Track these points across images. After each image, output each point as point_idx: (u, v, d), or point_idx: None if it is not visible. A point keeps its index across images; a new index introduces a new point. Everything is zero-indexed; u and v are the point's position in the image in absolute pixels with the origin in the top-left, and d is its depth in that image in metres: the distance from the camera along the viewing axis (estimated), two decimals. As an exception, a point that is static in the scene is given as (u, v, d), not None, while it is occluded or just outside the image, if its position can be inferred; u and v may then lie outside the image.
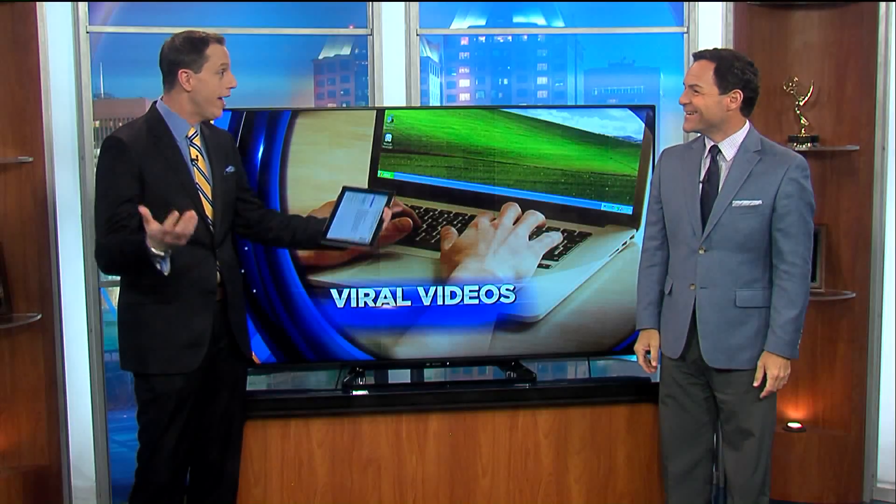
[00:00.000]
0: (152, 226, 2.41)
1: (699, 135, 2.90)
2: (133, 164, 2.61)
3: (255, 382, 3.21)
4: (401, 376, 3.52)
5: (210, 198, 2.75)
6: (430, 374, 3.52)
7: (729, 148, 2.80)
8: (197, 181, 2.73)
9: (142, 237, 2.45)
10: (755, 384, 2.78)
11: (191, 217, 2.43)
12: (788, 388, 3.73)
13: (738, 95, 2.75)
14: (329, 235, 2.83)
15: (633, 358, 3.13)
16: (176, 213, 2.43)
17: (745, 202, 2.75)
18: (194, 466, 2.93)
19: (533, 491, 3.29)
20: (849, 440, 3.69)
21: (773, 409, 2.90)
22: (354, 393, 3.27)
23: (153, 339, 2.69)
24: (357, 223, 2.82)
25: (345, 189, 2.89)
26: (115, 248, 2.55)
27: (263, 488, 3.17)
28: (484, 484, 3.26)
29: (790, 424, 3.74)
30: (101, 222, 2.61)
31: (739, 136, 2.80)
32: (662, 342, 2.96)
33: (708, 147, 2.84)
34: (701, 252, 2.79)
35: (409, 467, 3.23)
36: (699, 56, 2.82)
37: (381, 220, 2.81)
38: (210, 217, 2.74)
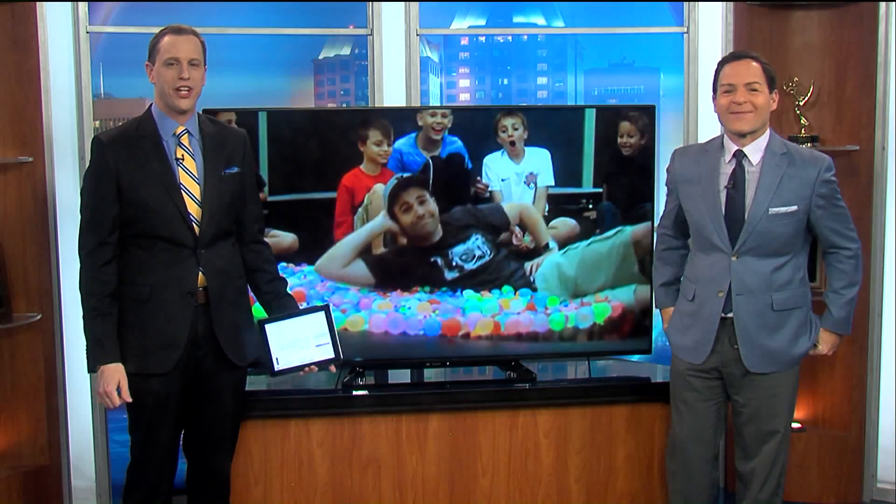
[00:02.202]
0: (110, 397, 2.63)
1: (712, 137, 2.88)
2: (107, 164, 2.66)
3: (255, 382, 3.21)
4: (401, 376, 3.52)
5: (198, 198, 2.71)
6: (430, 374, 3.52)
7: (754, 152, 2.77)
8: (181, 180, 2.70)
9: (101, 355, 2.64)
10: (826, 351, 2.89)
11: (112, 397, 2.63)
12: (788, 388, 3.75)
13: (777, 97, 2.79)
14: (266, 326, 2.77)
15: (634, 358, 3.12)
16: (122, 395, 2.64)
17: (782, 209, 2.73)
18: (191, 466, 2.93)
19: (533, 491, 3.29)
20: (849, 440, 3.69)
21: (793, 411, 2.91)
22: (354, 393, 3.27)
23: (129, 337, 2.69)
24: (290, 347, 2.76)
25: (327, 308, 2.81)
26: (86, 315, 2.68)
27: (263, 488, 3.17)
28: (484, 484, 3.26)
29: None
30: (83, 224, 2.69)
31: (763, 140, 2.78)
32: (681, 348, 2.93)
33: (731, 151, 2.79)
34: (734, 259, 2.77)
35: (409, 467, 3.23)
36: (742, 56, 2.79)
37: (302, 367, 2.78)
38: (196, 217, 2.70)
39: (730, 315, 2.80)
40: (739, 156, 2.78)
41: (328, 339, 2.79)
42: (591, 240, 3.31)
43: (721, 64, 2.82)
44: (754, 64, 2.75)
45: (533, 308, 3.31)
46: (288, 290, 2.97)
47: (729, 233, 2.77)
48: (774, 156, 2.76)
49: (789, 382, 2.84)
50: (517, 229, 3.30)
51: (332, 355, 2.80)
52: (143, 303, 2.69)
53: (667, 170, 3.00)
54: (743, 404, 2.86)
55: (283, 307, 2.89)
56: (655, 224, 3.30)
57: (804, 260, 2.86)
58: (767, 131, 2.80)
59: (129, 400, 2.66)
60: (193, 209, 2.70)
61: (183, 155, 2.72)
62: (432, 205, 3.23)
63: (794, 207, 2.74)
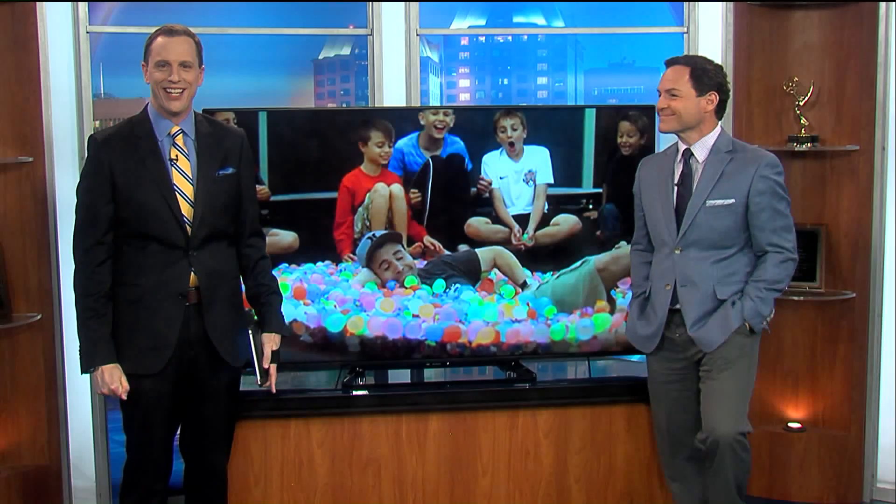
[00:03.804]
0: (120, 394, 2.66)
1: (673, 141, 2.96)
2: (102, 164, 2.66)
3: (254, 382, 3.21)
4: (401, 376, 3.52)
5: (191, 198, 2.69)
6: (431, 374, 3.52)
7: (701, 150, 2.88)
8: (175, 181, 2.68)
9: (97, 355, 2.65)
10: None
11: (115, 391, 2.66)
12: (788, 388, 3.75)
13: (715, 97, 2.86)
14: (264, 332, 2.86)
15: (634, 358, 3.13)
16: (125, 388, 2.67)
17: (719, 202, 2.82)
18: (188, 466, 2.92)
19: (533, 491, 3.29)
20: (849, 440, 3.68)
21: (744, 396, 2.88)
22: (354, 393, 3.27)
23: (121, 338, 2.68)
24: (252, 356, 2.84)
25: (253, 326, 2.85)
26: (80, 315, 2.68)
27: (263, 488, 3.17)
28: (484, 484, 3.26)
29: (790, 424, 3.74)
30: (78, 224, 2.70)
31: (711, 138, 2.88)
32: (634, 337, 3.02)
33: (681, 151, 2.91)
34: (677, 252, 2.85)
35: (409, 467, 3.23)
36: (672, 62, 2.89)
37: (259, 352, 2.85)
38: (188, 218, 2.68)
39: (678, 307, 2.88)
40: (687, 154, 2.89)
41: (254, 359, 2.83)
42: (560, 272, 3.33)
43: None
44: (682, 70, 2.84)
45: (534, 315, 3.31)
46: (272, 293, 2.92)
47: (677, 227, 2.87)
48: (719, 153, 2.86)
49: (740, 364, 2.85)
50: (517, 229, 3.31)
51: (257, 378, 2.83)
52: (134, 303, 2.68)
53: (635, 178, 3.07)
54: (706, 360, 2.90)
55: (262, 314, 2.89)
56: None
57: (753, 257, 2.89)
58: (715, 130, 2.89)
59: (124, 398, 2.68)
60: (186, 210, 2.69)
61: (177, 155, 2.70)
62: (409, 258, 3.26)
63: (731, 200, 2.82)
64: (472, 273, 3.30)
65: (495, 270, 3.32)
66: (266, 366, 2.84)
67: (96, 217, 2.66)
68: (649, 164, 3.05)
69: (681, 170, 2.90)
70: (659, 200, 2.92)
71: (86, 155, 3.43)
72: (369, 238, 3.25)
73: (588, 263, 3.34)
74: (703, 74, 2.84)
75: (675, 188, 2.89)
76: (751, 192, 2.81)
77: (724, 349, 2.84)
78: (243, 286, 2.91)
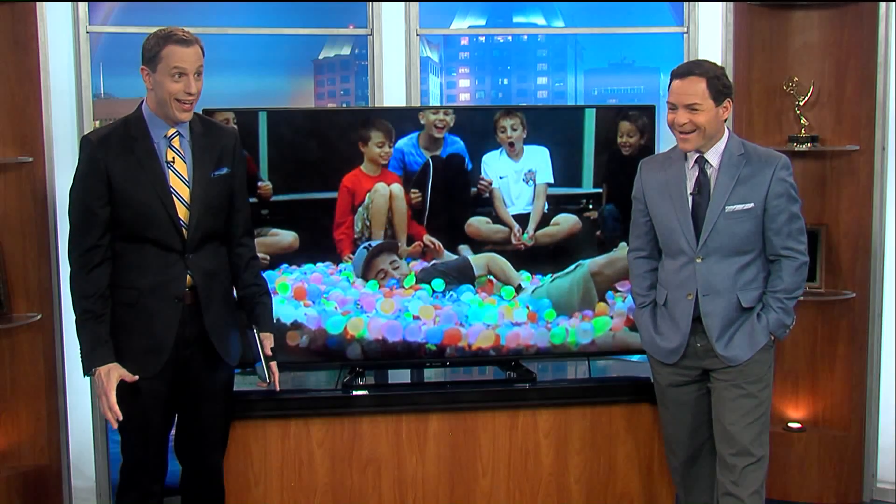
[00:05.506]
0: (108, 397, 2.61)
1: (674, 145, 2.89)
2: (98, 165, 2.62)
3: (254, 382, 3.21)
4: (401, 376, 3.52)
5: (187, 201, 2.68)
6: (430, 374, 3.52)
7: (714, 156, 2.81)
8: (171, 183, 2.67)
9: (95, 357, 2.63)
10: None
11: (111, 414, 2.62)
12: (788, 388, 3.75)
13: (729, 104, 2.78)
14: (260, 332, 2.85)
15: (634, 358, 3.11)
16: (116, 413, 2.61)
17: (738, 206, 2.77)
18: (185, 467, 2.92)
19: (533, 491, 3.29)
20: (849, 440, 3.69)
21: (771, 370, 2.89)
22: (354, 393, 3.27)
23: (118, 340, 2.66)
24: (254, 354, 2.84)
25: (252, 329, 2.84)
26: (78, 318, 2.68)
27: (263, 488, 3.17)
28: (484, 484, 3.26)
29: (790, 424, 3.74)
30: (73, 226, 2.69)
31: (722, 143, 2.81)
32: (655, 349, 2.95)
33: (693, 158, 2.82)
34: (698, 261, 2.80)
35: (409, 467, 3.23)
36: (685, 73, 2.73)
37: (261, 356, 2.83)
38: (184, 220, 2.67)
39: (698, 315, 2.83)
40: (701, 161, 2.82)
41: (262, 358, 2.81)
42: (555, 276, 3.33)
43: (671, 78, 2.79)
44: (698, 82, 2.70)
45: (534, 318, 3.31)
46: (265, 293, 2.92)
47: (696, 236, 2.80)
48: (732, 157, 2.80)
49: (756, 374, 2.83)
50: (517, 228, 3.31)
51: (264, 377, 2.82)
52: (131, 306, 2.67)
53: (634, 182, 2.99)
54: (724, 378, 2.86)
55: (257, 314, 2.87)
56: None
57: (766, 261, 2.87)
58: (725, 134, 2.82)
59: (135, 378, 2.63)
60: (182, 212, 2.68)
61: (174, 157, 2.69)
62: (405, 268, 3.26)
63: (751, 205, 2.77)
64: (466, 280, 3.30)
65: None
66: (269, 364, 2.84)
67: (92, 220, 2.64)
68: (652, 167, 2.94)
69: (696, 177, 2.82)
70: (673, 209, 2.84)
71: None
72: (365, 248, 3.24)
73: (582, 267, 3.33)
74: (718, 83, 2.72)
75: (692, 197, 2.81)
76: (769, 196, 2.76)
77: (750, 365, 2.81)
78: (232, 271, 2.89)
